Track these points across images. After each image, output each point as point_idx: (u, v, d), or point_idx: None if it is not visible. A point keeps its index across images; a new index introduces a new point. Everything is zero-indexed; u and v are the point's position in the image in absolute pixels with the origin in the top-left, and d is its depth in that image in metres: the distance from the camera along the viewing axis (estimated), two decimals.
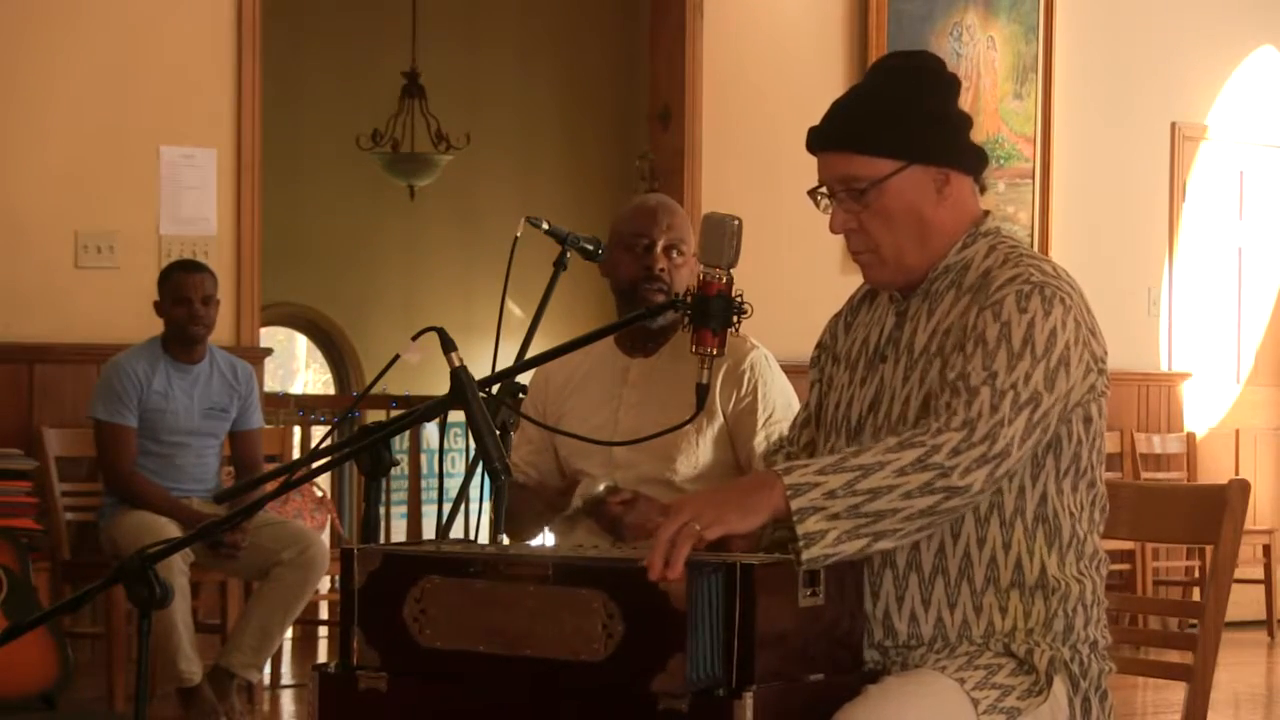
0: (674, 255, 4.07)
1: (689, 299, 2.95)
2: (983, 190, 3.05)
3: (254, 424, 6.81)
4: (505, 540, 3.97)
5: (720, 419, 4.07)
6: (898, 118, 2.93)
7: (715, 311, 2.92)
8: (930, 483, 2.72)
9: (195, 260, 6.88)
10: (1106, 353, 2.95)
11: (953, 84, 3.03)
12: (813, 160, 3.01)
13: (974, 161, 3.00)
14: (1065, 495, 2.92)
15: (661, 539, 2.60)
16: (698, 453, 4.05)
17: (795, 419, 3.22)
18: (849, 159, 2.93)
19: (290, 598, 6.52)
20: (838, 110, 2.99)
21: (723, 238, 2.92)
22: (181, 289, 6.58)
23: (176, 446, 6.60)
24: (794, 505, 2.68)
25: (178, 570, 6.27)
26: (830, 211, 2.98)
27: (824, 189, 2.98)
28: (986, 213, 3.04)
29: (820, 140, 2.96)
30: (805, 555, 2.69)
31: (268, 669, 7.32)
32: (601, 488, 3.93)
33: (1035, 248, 8.95)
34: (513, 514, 4.12)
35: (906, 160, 2.92)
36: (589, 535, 3.98)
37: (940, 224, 2.96)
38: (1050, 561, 2.90)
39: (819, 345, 3.16)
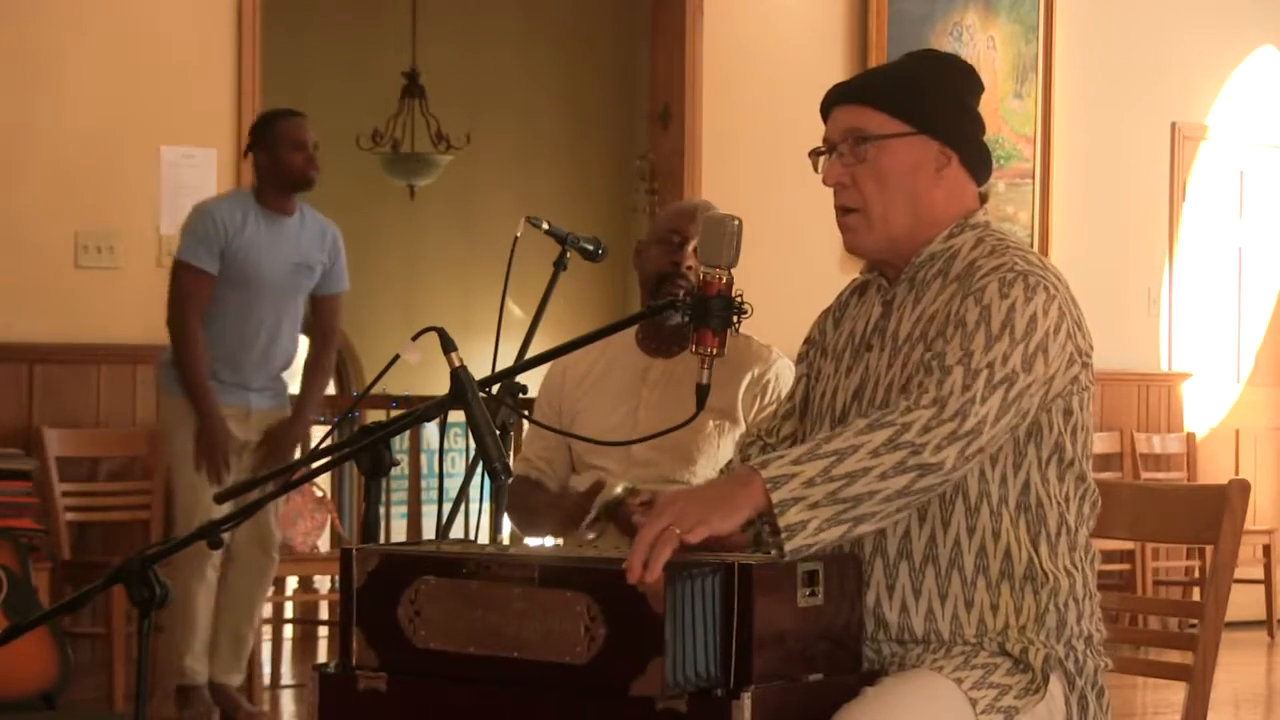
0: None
1: (688, 299, 2.95)
2: (983, 200, 3.05)
3: (342, 286, 6.69)
4: (505, 536, 3.97)
5: (742, 426, 4.09)
6: (918, 88, 2.97)
7: (715, 311, 2.92)
8: (903, 462, 2.71)
9: (291, 108, 6.70)
10: (1092, 347, 2.95)
11: (978, 84, 3.08)
12: (810, 161, 3.03)
13: (978, 158, 3.01)
14: (1051, 485, 2.91)
15: (642, 541, 2.59)
16: (719, 456, 4.07)
17: (777, 410, 3.23)
18: (861, 112, 2.95)
19: (253, 594, 6.53)
20: (862, 72, 3.07)
21: (722, 238, 2.92)
22: (296, 132, 6.44)
23: (258, 298, 6.40)
24: (774, 498, 2.68)
25: (210, 564, 6.28)
26: (826, 169, 2.99)
27: (825, 149, 2.99)
28: (979, 208, 3.05)
29: (838, 93, 3.00)
30: (788, 547, 2.68)
31: (268, 669, 7.34)
32: (619, 489, 3.93)
33: (1035, 248, 8.96)
34: (528, 513, 4.12)
35: (916, 128, 2.95)
36: (608, 538, 3.97)
37: (932, 202, 2.97)
38: (1039, 553, 2.89)
39: (807, 340, 3.17)
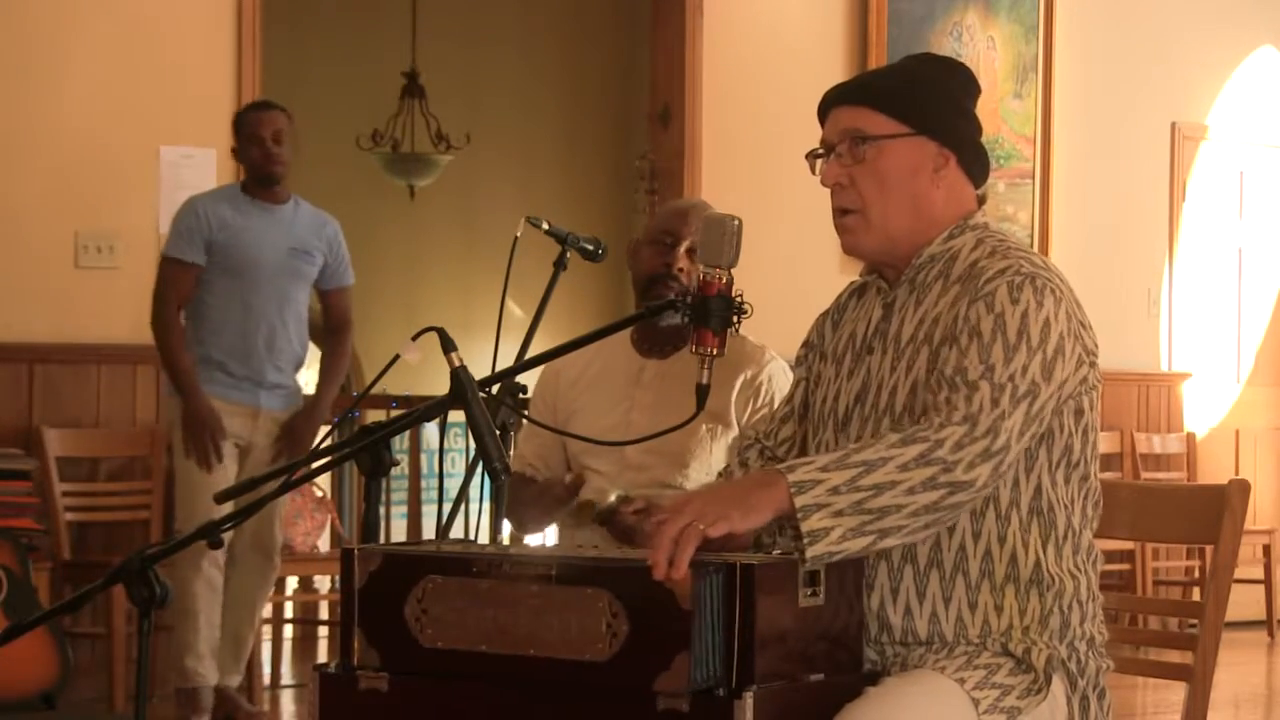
0: (696, 257, 4.07)
1: (689, 299, 2.95)
2: (981, 201, 3.05)
3: (347, 280, 6.66)
4: (505, 536, 3.97)
5: (735, 429, 4.07)
6: (917, 90, 2.98)
7: (715, 311, 2.92)
8: (934, 478, 2.71)
9: (267, 100, 6.73)
10: (1097, 345, 2.95)
11: (976, 87, 3.08)
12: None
13: (976, 159, 3.01)
14: (1059, 487, 2.91)
15: (665, 537, 2.59)
16: (711, 460, 4.05)
17: (775, 413, 3.22)
18: (860, 113, 2.95)
19: (253, 596, 6.49)
20: (861, 73, 3.06)
21: (723, 238, 2.92)
22: (252, 127, 6.44)
23: (254, 284, 6.37)
24: (798, 503, 2.68)
25: (210, 561, 6.23)
26: (824, 169, 2.98)
27: (822, 150, 2.99)
28: (978, 209, 3.05)
29: (835, 95, 3.00)
30: (810, 553, 2.67)
31: (268, 669, 7.34)
32: (613, 497, 3.92)
33: (1035, 248, 8.96)
34: (517, 506, 4.12)
35: (914, 129, 2.95)
36: (594, 536, 3.96)
37: (931, 203, 2.96)
38: (1046, 556, 2.89)
39: (806, 344, 3.16)
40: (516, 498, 4.15)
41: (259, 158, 6.42)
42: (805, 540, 2.67)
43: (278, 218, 6.45)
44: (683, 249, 4.09)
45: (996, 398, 2.77)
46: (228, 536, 6.13)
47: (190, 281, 6.35)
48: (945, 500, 2.72)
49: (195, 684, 6.30)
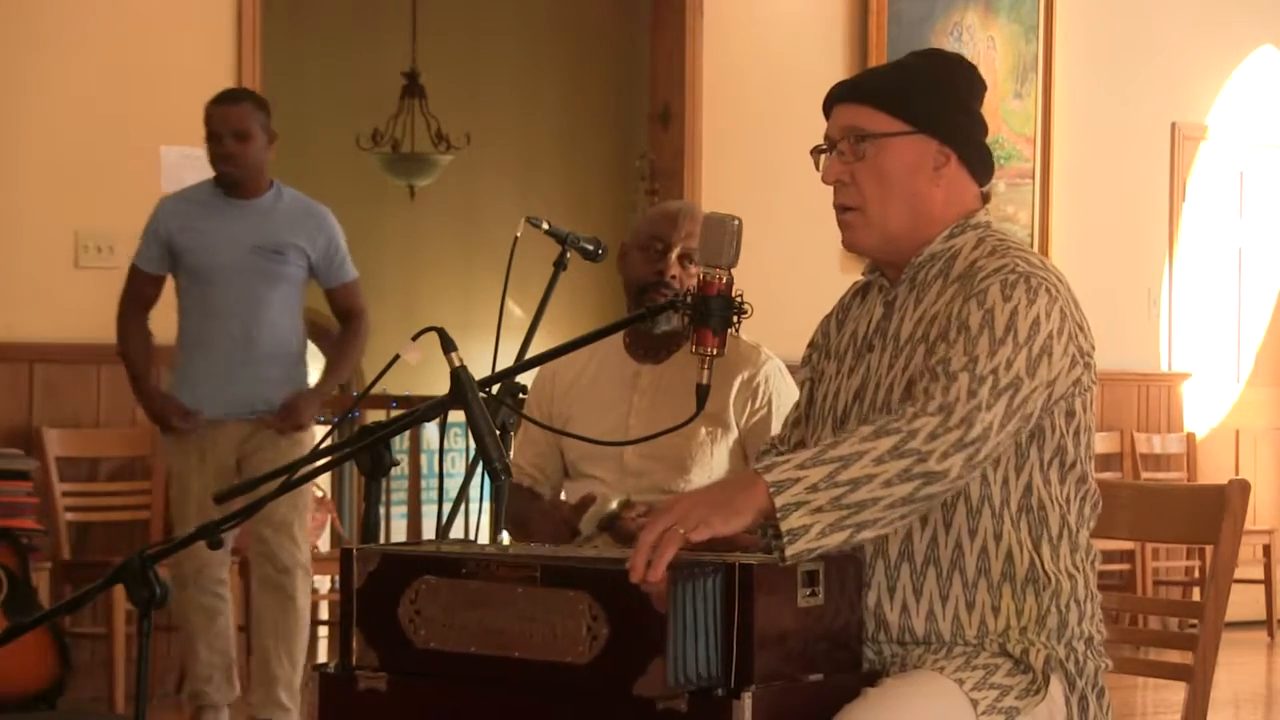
0: (687, 263, 4.05)
1: (689, 299, 2.95)
2: (985, 200, 3.05)
3: (344, 277, 6.21)
4: (505, 537, 3.96)
5: (735, 431, 4.06)
6: (917, 88, 2.98)
7: (715, 311, 2.92)
8: (908, 469, 2.71)
9: (241, 89, 6.42)
10: (1094, 347, 2.94)
11: (980, 84, 3.08)
12: (811, 161, 3.03)
13: (978, 158, 3.01)
14: (1052, 487, 2.91)
15: (645, 541, 2.59)
16: (712, 464, 4.04)
17: (786, 418, 3.22)
18: (861, 110, 2.96)
19: (274, 616, 6.08)
20: (865, 71, 3.07)
21: (723, 238, 2.92)
22: (214, 122, 6.05)
23: (213, 285, 5.99)
24: (778, 502, 2.68)
25: (197, 587, 6.00)
26: (825, 166, 2.99)
27: (826, 146, 2.99)
28: (981, 208, 3.05)
29: (839, 92, 3.01)
30: (790, 551, 2.68)
31: None
32: (615, 504, 3.91)
33: (1035, 248, 8.96)
34: (521, 522, 4.09)
35: (914, 127, 2.95)
36: (596, 539, 3.95)
37: (931, 201, 2.97)
38: (1041, 555, 2.89)
39: (811, 345, 3.16)
40: (517, 512, 4.10)
41: (213, 156, 6.07)
42: (785, 539, 2.68)
43: (247, 214, 6.06)
44: (674, 255, 4.06)
45: (974, 389, 2.76)
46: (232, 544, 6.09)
47: (150, 289, 6.12)
48: (920, 491, 2.73)
49: (201, 704, 6.11)
